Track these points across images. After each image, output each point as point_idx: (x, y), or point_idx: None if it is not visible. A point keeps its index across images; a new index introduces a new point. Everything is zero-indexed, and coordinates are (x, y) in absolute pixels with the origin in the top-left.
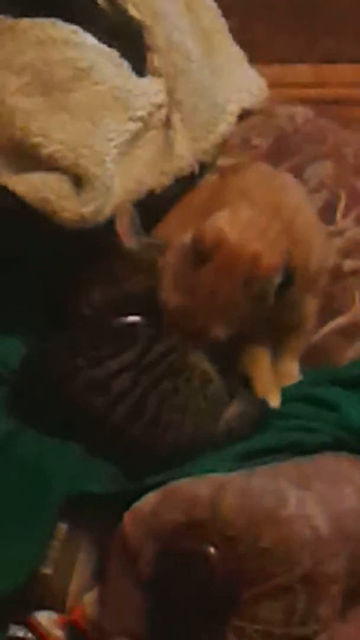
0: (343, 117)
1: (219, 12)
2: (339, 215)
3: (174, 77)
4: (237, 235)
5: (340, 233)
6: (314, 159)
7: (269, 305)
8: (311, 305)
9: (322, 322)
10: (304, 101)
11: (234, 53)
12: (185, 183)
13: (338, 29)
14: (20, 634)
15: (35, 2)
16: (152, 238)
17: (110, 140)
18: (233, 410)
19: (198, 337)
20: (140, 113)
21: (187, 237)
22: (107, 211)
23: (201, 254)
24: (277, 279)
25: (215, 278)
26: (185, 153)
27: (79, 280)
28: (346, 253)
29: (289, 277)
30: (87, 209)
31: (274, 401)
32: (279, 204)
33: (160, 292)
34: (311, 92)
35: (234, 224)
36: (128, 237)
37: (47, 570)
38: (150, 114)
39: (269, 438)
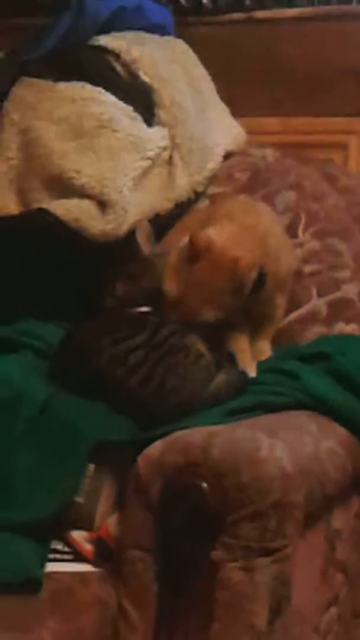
0: (302, 157)
1: (209, 77)
2: (300, 232)
3: (175, 126)
4: (222, 243)
5: (301, 245)
6: (281, 189)
7: (247, 298)
8: (280, 300)
9: (288, 312)
10: (272, 145)
11: (220, 108)
12: (183, 207)
13: (298, 89)
14: (59, 547)
15: (69, 69)
16: (160, 248)
17: (127, 174)
18: (220, 379)
19: (192, 319)
20: (149, 154)
21: (184, 242)
22: (125, 228)
23: (194, 254)
24: (252, 277)
25: (205, 273)
26: (184, 184)
27: (105, 279)
28: (306, 260)
29: (262, 278)
30: (109, 227)
31: (252, 372)
32: (255, 224)
33: (163, 284)
34: (278, 138)
35: (220, 235)
36: (146, 246)
37: (80, 499)
38: (157, 155)
39: (248, 399)
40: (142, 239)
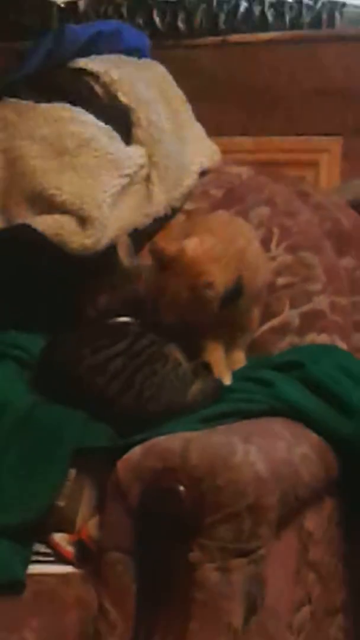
0: (275, 175)
1: (185, 98)
2: (273, 246)
3: (152, 145)
4: (195, 255)
5: (274, 258)
6: (255, 205)
7: (220, 311)
8: (255, 312)
9: (262, 323)
10: (246, 164)
11: (196, 127)
12: (161, 222)
13: (271, 110)
14: (42, 549)
15: (50, 90)
16: (138, 260)
17: (106, 191)
18: (197, 387)
19: (158, 321)
20: (127, 172)
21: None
22: (104, 243)
23: (162, 262)
24: (218, 293)
25: (169, 281)
26: (161, 200)
27: (86, 291)
28: (278, 273)
29: (239, 290)
30: (89, 241)
31: (227, 380)
32: (234, 238)
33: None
34: (252, 157)
35: (198, 247)
36: (126, 258)
37: (61, 503)
38: (135, 173)
39: (223, 406)
40: (122, 252)
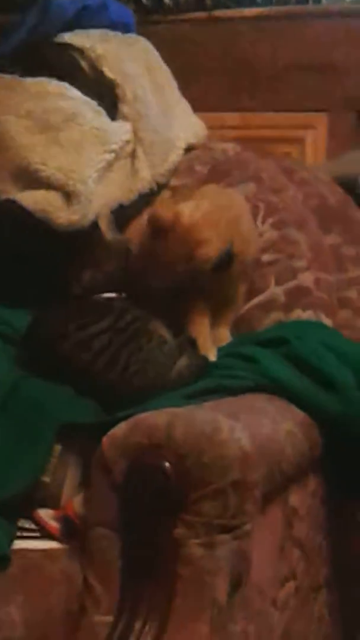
0: (261, 151)
1: (170, 73)
2: (259, 222)
3: (138, 121)
4: (192, 220)
5: (260, 235)
6: (240, 181)
7: (210, 277)
8: (241, 288)
9: (247, 299)
10: (232, 140)
11: (182, 103)
12: (146, 198)
13: (257, 85)
14: (27, 525)
15: (35, 65)
16: (122, 235)
17: (91, 167)
18: (182, 363)
19: (145, 287)
20: (113, 147)
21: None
22: (90, 218)
23: (158, 228)
24: (212, 261)
25: (165, 249)
26: (146, 176)
27: (71, 267)
28: (264, 249)
29: (230, 258)
30: (74, 217)
31: (212, 356)
32: (230, 206)
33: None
34: (238, 133)
35: (194, 212)
36: (108, 232)
37: (46, 479)
38: (121, 148)
39: (208, 382)
40: (104, 226)
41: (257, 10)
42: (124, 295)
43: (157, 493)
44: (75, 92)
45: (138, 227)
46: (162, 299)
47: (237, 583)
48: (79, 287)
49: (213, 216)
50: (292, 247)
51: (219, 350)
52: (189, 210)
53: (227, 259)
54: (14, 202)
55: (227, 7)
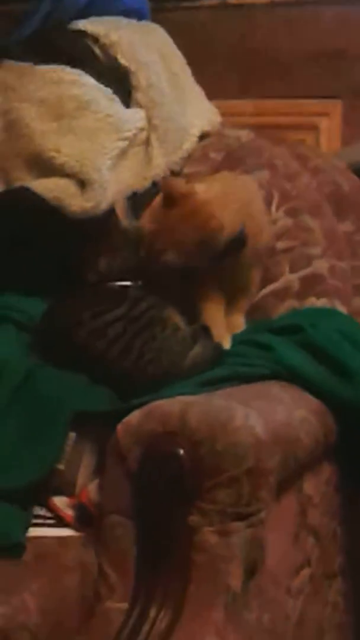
0: (275, 138)
1: (184, 60)
2: (273, 209)
3: (152, 108)
4: (206, 198)
5: (274, 222)
6: (255, 168)
7: (224, 266)
8: (255, 275)
9: (261, 287)
10: (246, 126)
11: (196, 90)
12: (160, 185)
13: (271, 72)
14: (42, 512)
15: (49, 52)
16: (137, 222)
17: (105, 154)
18: (196, 351)
19: (156, 259)
20: (127, 134)
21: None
22: (104, 206)
23: (170, 198)
24: (224, 237)
25: (177, 219)
26: (160, 164)
27: (86, 255)
28: (279, 236)
29: (243, 239)
30: (88, 204)
31: (226, 344)
32: (242, 191)
33: (141, 223)
34: (251, 120)
35: (206, 190)
36: (124, 218)
37: (61, 467)
38: (134, 135)
39: (223, 370)
40: (119, 212)
41: None
42: (139, 282)
43: (172, 480)
44: (89, 80)
45: (151, 212)
46: (177, 286)
47: (251, 570)
48: (95, 275)
49: (225, 199)
50: (307, 235)
51: (234, 337)
52: (204, 187)
53: (239, 240)
54: (27, 189)
55: None
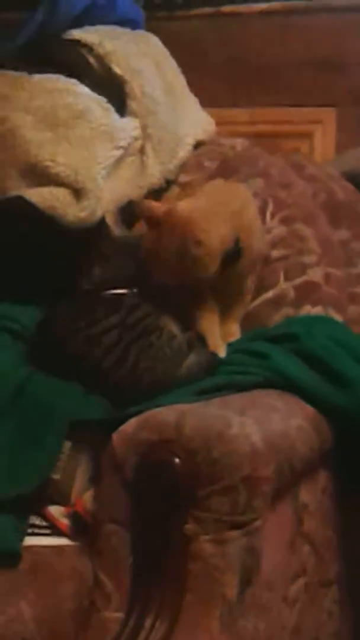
0: (269, 146)
1: (179, 69)
2: (268, 218)
3: (146, 117)
4: (185, 213)
5: (268, 230)
6: (249, 177)
7: (219, 276)
8: (250, 283)
9: (256, 295)
10: (241, 135)
11: (190, 99)
12: (155, 194)
13: (265, 81)
14: (37, 521)
15: (43, 62)
16: (130, 231)
17: (100, 163)
18: (192, 359)
19: (151, 277)
20: (122, 143)
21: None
22: (99, 215)
23: (152, 221)
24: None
25: (160, 240)
26: (155, 172)
27: (81, 263)
28: (273, 245)
29: (239, 250)
30: (83, 214)
31: (221, 353)
32: (230, 201)
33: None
34: (246, 128)
35: (188, 205)
36: (115, 227)
37: (57, 476)
38: (129, 144)
39: (218, 379)
40: (111, 221)
41: (265, 6)
42: (135, 290)
43: (167, 489)
44: (84, 89)
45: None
46: (172, 294)
47: (247, 579)
48: (89, 283)
49: (211, 211)
50: (302, 243)
51: (229, 346)
52: (184, 204)
53: (235, 252)
54: (22, 198)
55: (235, 2)
